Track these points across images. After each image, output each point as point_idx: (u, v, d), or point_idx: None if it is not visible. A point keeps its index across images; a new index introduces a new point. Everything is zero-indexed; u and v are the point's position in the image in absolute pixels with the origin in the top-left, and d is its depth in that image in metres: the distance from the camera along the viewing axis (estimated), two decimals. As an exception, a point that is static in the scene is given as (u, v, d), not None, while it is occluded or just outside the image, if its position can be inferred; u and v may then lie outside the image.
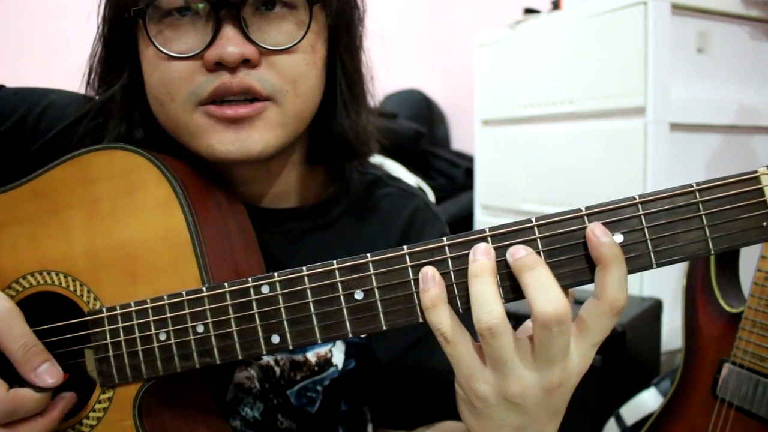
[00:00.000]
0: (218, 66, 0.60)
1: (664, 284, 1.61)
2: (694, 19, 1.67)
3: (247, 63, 0.61)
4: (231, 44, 0.59)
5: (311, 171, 0.80)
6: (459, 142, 2.91)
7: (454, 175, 2.53)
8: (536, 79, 1.94)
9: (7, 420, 0.56)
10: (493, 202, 2.19)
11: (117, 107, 0.69)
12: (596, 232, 0.47)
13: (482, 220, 2.25)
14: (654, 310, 1.53)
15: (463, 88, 2.67)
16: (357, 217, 0.81)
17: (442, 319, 0.49)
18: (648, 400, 1.33)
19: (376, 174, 0.85)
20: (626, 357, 1.41)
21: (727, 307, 1.07)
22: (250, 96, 0.62)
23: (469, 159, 2.51)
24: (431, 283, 0.49)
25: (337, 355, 0.78)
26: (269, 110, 0.63)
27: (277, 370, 0.76)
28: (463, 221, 2.31)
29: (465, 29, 2.85)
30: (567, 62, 1.81)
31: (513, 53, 2.03)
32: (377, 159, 0.90)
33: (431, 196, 2.23)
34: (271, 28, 0.62)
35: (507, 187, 2.09)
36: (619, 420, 1.36)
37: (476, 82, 2.21)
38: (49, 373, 0.58)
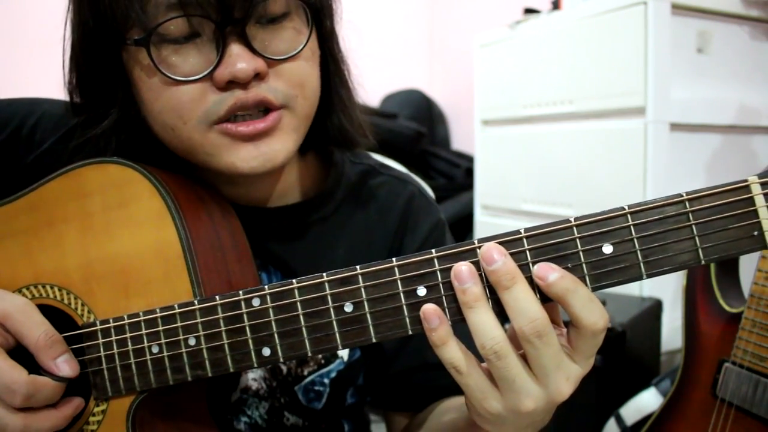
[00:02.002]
0: (230, 84, 0.60)
1: (664, 284, 1.61)
2: (694, 19, 1.67)
3: (256, 76, 0.61)
4: (241, 61, 0.59)
5: (305, 163, 0.81)
6: (459, 142, 2.91)
7: (454, 175, 2.53)
8: (536, 79, 1.94)
9: (26, 403, 0.57)
10: (493, 202, 2.19)
11: (110, 132, 0.68)
12: (540, 274, 0.48)
13: (482, 220, 2.25)
14: (654, 310, 1.53)
15: (463, 88, 2.67)
16: (354, 208, 0.81)
17: (454, 354, 0.49)
18: (648, 400, 1.33)
19: (368, 163, 0.86)
20: (626, 357, 1.41)
21: (727, 307, 1.07)
22: (263, 107, 0.62)
23: (469, 159, 2.51)
24: (437, 321, 0.49)
25: None
26: (284, 117, 0.64)
27: (284, 367, 0.77)
28: (463, 221, 2.31)
29: (465, 29, 2.84)
30: (567, 62, 1.81)
31: (513, 53, 2.03)
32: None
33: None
34: (273, 38, 0.62)
35: (507, 187, 2.09)
36: (619, 420, 1.36)
37: (476, 82, 2.21)
38: (67, 363, 0.59)
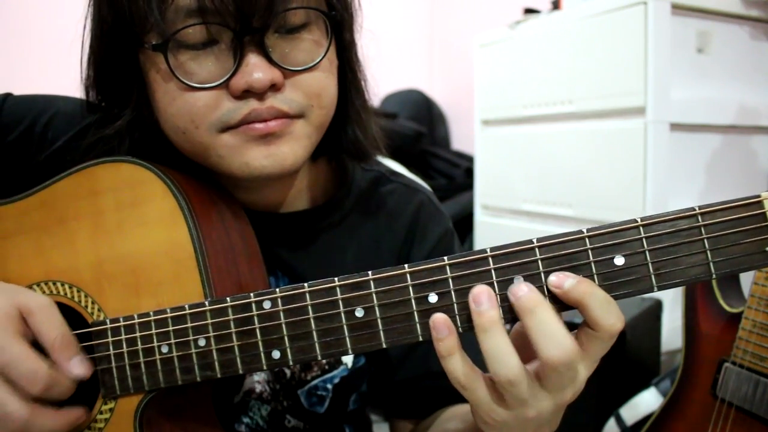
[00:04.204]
0: (245, 93, 0.60)
1: (664, 284, 1.61)
2: (694, 19, 1.67)
3: (272, 87, 0.60)
4: (257, 70, 0.59)
5: (316, 169, 0.81)
6: (459, 142, 2.91)
7: (454, 175, 2.53)
8: (536, 79, 1.94)
9: (45, 392, 0.57)
10: (493, 202, 2.19)
11: (123, 132, 0.68)
12: (556, 284, 0.48)
13: (482, 220, 2.25)
14: (654, 310, 1.53)
15: (463, 88, 2.66)
16: (363, 215, 0.81)
17: (457, 367, 0.49)
18: (648, 400, 1.34)
19: (379, 170, 0.86)
20: (626, 357, 1.41)
21: (727, 307, 1.07)
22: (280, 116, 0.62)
23: (469, 159, 2.51)
24: (445, 332, 0.49)
25: None
26: (296, 124, 0.64)
27: (288, 371, 0.77)
28: (464, 221, 2.31)
29: (465, 29, 2.84)
30: (567, 62, 1.81)
31: (513, 53, 2.03)
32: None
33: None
34: (291, 49, 0.62)
35: (507, 187, 2.10)
36: (619, 420, 1.36)
37: (476, 82, 2.21)
38: (81, 364, 0.59)
